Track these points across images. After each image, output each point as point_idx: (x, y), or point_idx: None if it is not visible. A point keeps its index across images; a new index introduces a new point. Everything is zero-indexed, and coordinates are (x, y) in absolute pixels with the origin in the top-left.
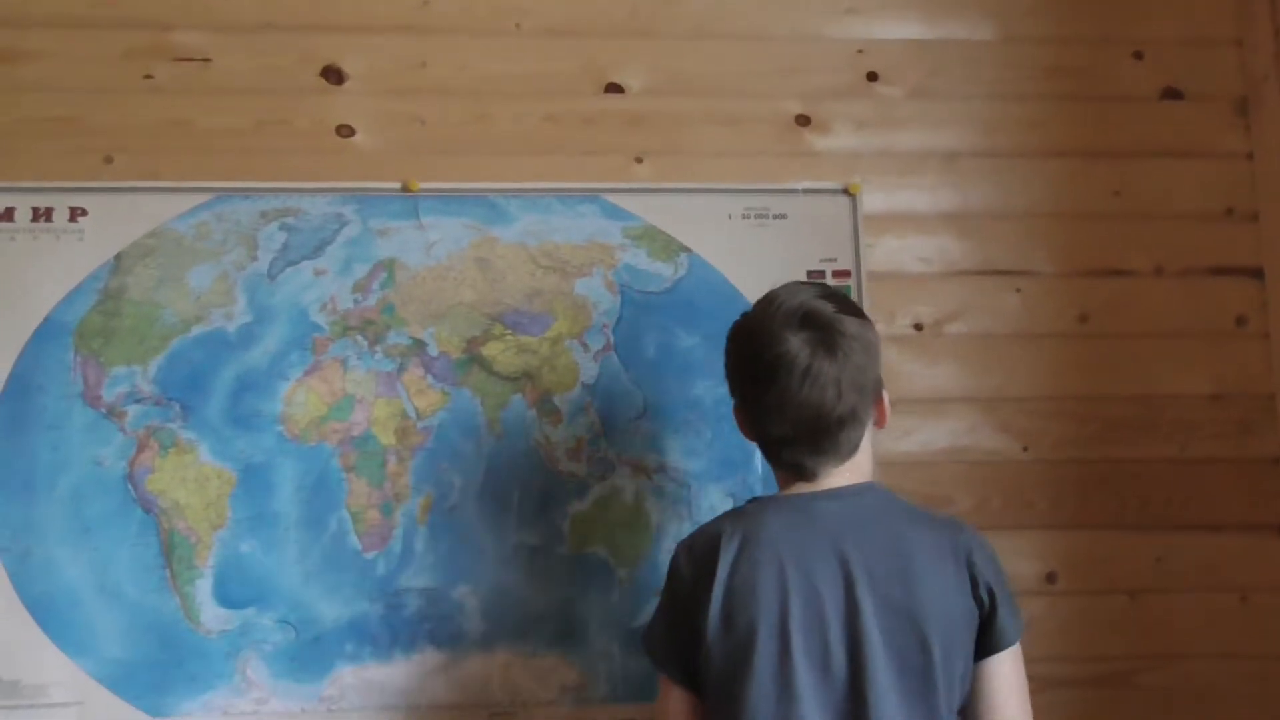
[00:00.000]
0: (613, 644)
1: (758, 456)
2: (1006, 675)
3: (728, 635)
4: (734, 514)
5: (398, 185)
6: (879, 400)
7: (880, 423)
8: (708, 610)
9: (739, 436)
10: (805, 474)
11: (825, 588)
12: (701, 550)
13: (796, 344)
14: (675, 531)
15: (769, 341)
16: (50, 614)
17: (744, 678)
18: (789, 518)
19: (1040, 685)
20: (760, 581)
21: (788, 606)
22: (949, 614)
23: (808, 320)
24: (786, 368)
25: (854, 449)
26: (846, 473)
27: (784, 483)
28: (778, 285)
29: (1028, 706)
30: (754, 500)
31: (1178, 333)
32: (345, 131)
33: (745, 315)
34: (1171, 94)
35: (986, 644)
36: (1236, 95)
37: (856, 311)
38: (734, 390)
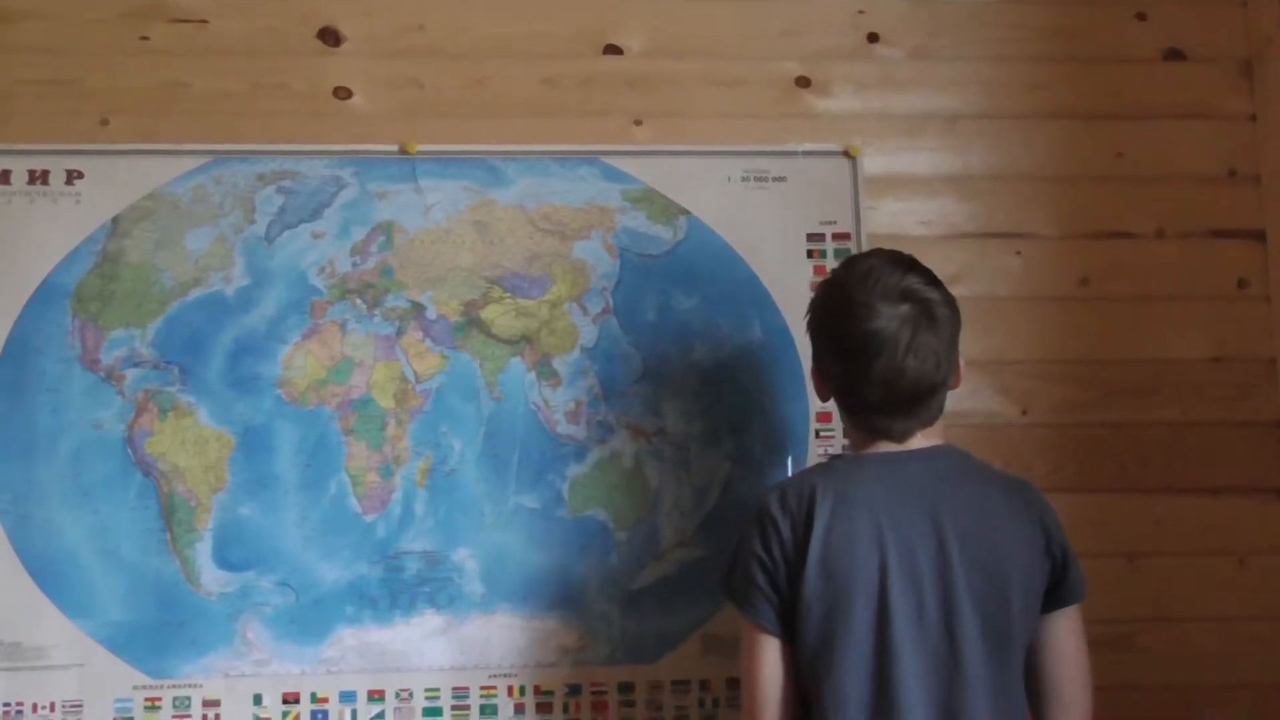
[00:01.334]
0: (612, 606)
1: (756, 420)
2: (1073, 629)
3: (825, 589)
4: (822, 469)
5: (395, 148)
6: (957, 364)
7: (956, 384)
8: (805, 564)
9: (737, 399)
10: (894, 437)
11: (919, 544)
12: (796, 504)
13: (899, 319)
14: (674, 494)
15: (870, 315)
16: (51, 576)
17: (842, 630)
18: (882, 477)
19: None
20: (858, 538)
21: (885, 562)
22: (1027, 570)
23: (907, 294)
24: (891, 342)
25: (940, 412)
26: (929, 433)
27: (864, 442)
28: (774, 247)
29: (1088, 660)
30: (839, 457)
31: (1179, 295)
32: (343, 94)
33: (837, 286)
34: (1174, 55)
35: (1057, 599)
36: (1240, 57)
37: (939, 281)
38: (824, 358)
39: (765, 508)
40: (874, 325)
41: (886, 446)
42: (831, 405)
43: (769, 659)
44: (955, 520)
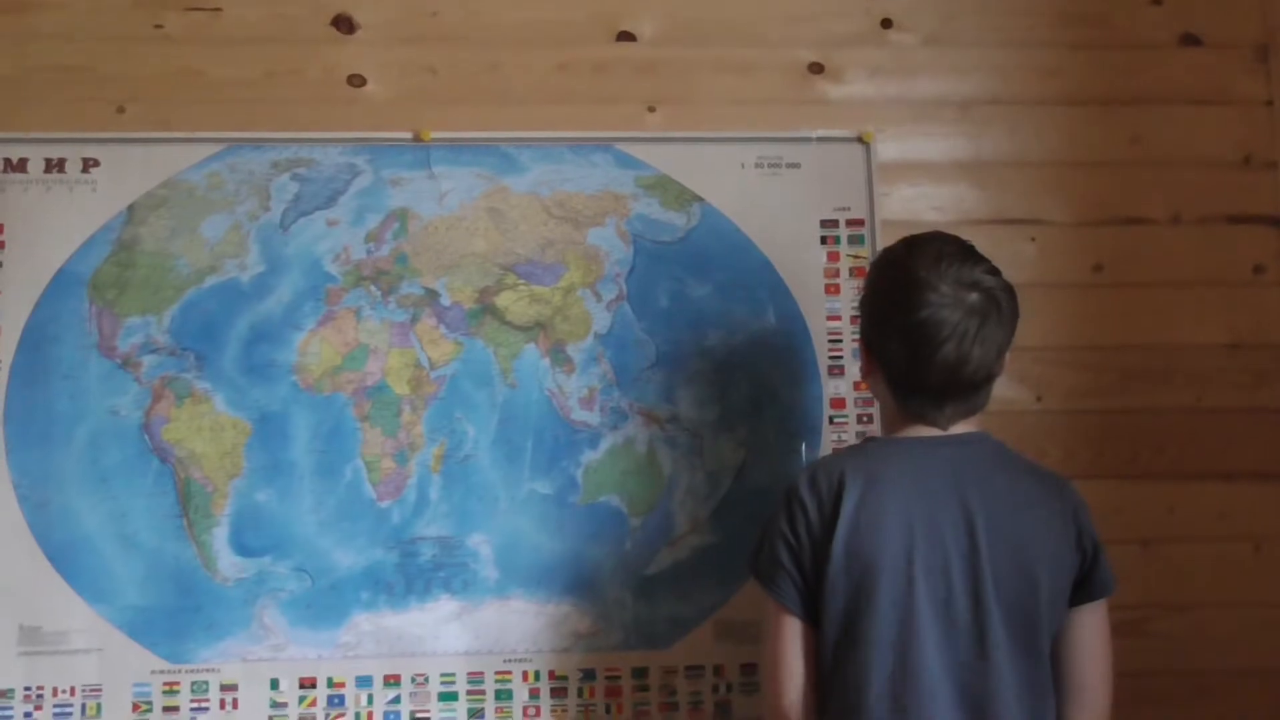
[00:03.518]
0: (625, 592)
1: (770, 406)
2: (1098, 623)
3: (849, 571)
4: (854, 451)
5: (410, 135)
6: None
7: (999, 373)
8: (831, 546)
9: (751, 386)
10: (939, 423)
11: (948, 530)
12: (825, 486)
13: (968, 308)
14: (687, 481)
15: (943, 302)
16: (70, 562)
17: (866, 613)
18: (913, 461)
19: None
20: (886, 521)
21: (912, 547)
22: (1056, 562)
23: (977, 283)
24: (960, 330)
25: (987, 401)
26: (969, 421)
27: (902, 422)
28: (788, 234)
29: (1110, 655)
30: (872, 440)
31: (1194, 282)
32: (357, 81)
33: (904, 268)
34: (1190, 40)
35: (1084, 593)
36: (1256, 42)
37: (999, 270)
38: (882, 338)
39: (795, 489)
40: (945, 313)
41: (923, 430)
42: (845, 391)
43: (791, 639)
44: (985, 508)
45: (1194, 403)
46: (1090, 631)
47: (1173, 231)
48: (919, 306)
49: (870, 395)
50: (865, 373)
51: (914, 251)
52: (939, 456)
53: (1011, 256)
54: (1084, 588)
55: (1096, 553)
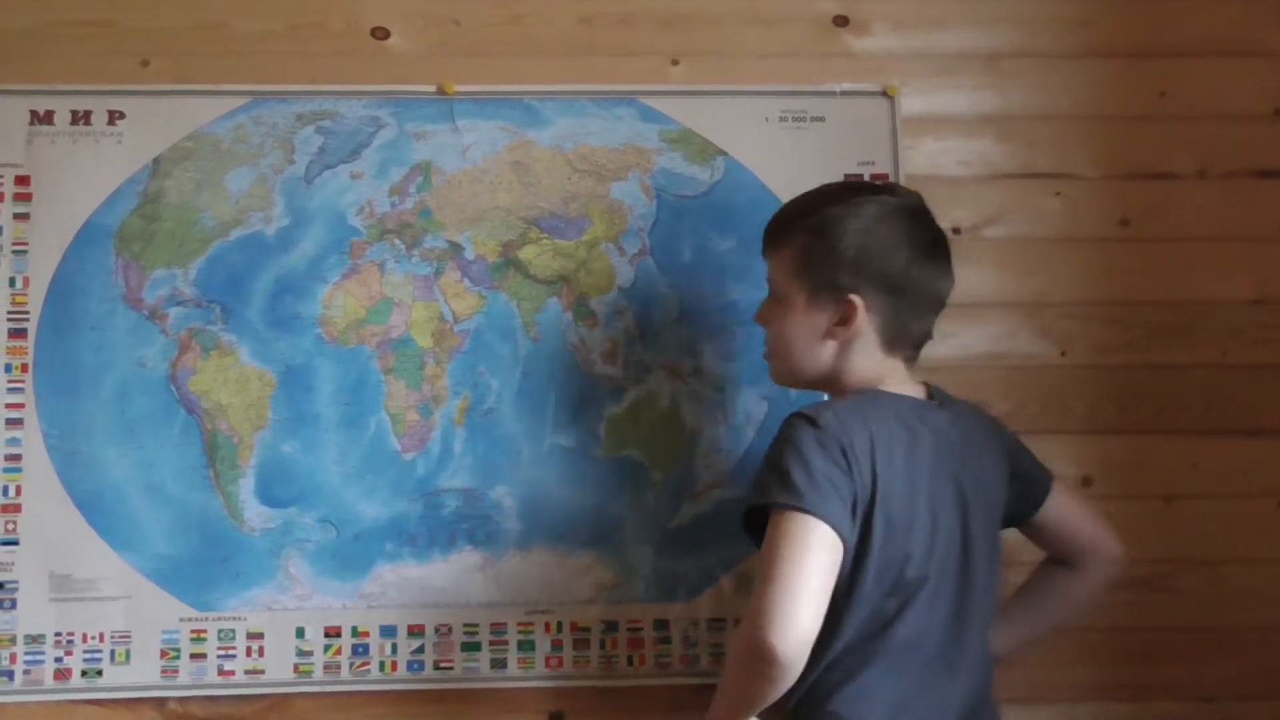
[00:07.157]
0: (647, 545)
1: None
2: (1067, 497)
3: (887, 530)
4: (866, 414)
5: (433, 88)
6: None
7: None
8: (871, 479)
9: None
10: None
11: (945, 494)
12: (862, 446)
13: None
14: (710, 435)
15: (948, 271)
16: (98, 511)
17: (863, 556)
18: (925, 426)
19: None
20: (914, 488)
21: (914, 507)
22: (1000, 495)
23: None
24: (943, 296)
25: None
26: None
27: (876, 376)
28: (811, 188)
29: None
30: (881, 394)
31: (1220, 237)
32: (380, 34)
33: (933, 229)
34: None
35: (1031, 500)
36: None
37: None
38: (894, 290)
39: (835, 434)
40: (945, 282)
41: (907, 389)
42: None
43: (827, 558)
44: (968, 469)
45: (1219, 358)
46: (1068, 506)
47: (1200, 186)
48: (947, 270)
49: None
50: (848, 318)
51: (933, 225)
52: (933, 423)
53: (1037, 211)
54: (1030, 496)
55: (1025, 467)
